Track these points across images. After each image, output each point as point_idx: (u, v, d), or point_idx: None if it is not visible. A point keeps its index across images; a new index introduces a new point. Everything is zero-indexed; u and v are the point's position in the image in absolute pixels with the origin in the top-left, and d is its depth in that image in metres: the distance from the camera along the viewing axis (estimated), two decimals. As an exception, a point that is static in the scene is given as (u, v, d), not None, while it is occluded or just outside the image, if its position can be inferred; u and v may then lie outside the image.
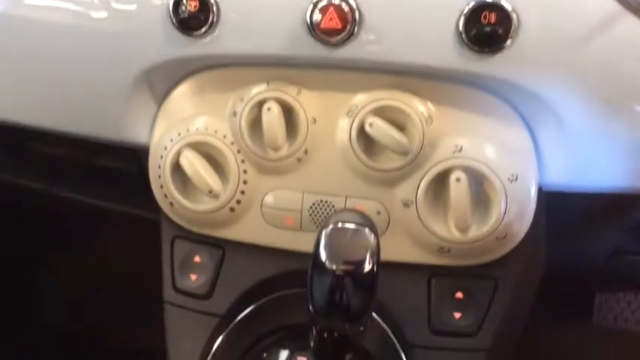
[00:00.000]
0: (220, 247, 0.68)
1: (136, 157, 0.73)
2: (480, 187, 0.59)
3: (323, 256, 0.48)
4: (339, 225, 0.49)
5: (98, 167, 0.82)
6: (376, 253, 0.49)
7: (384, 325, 0.64)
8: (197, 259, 0.68)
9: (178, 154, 0.64)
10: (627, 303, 1.17)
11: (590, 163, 0.59)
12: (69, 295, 1.35)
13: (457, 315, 0.62)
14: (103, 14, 0.63)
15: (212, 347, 0.66)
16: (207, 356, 0.66)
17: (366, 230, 0.49)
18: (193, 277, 0.68)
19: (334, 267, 0.48)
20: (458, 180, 0.58)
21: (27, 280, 1.33)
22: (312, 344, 0.55)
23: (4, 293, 1.24)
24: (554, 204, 0.63)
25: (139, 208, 0.81)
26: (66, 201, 0.88)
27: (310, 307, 0.52)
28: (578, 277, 0.79)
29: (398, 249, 0.63)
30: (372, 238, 0.49)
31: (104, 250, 1.28)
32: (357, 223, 0.49)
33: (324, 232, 0.49)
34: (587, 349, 1.17)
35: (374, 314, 0.63)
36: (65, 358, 1.31)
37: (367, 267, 0.48)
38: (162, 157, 0.65)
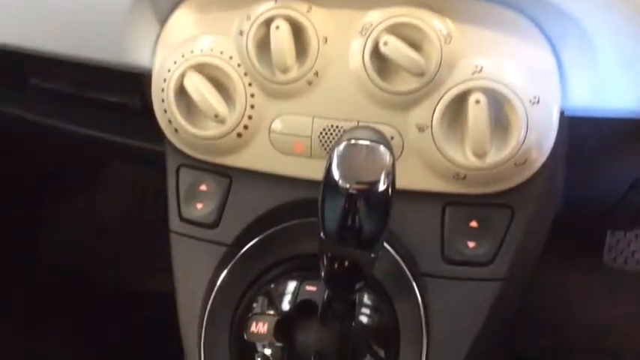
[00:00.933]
0: (227, 175, 0.66)
1: (139, 91, 0.70)
2: (499, 110, 0.56)
3: (336, 174, 0.46)
4: (353, 142, 0.46)
5: (100, 102, 0.80)
6: (392, 172, 0.46)
7: (396, 255, 0.62)
8: (203, 187, 0.66)
9: (182, 76, 0.61)
10: (639, 245, 1.16)
11: (615, 86, 0.56)
12: (74, 232, 1.35)
13: (471, 244, 0.60)
14: None
15: (219, 277, 0.65)
16: (214, 286, 0.64)
17: (382, 147, 0.46)
18: (199, 205, 0.66)
19: (347, 186, 0.45)
20: (477, 102, 0.55)
21: (32, 217, 1.33)
22: (322, 274, 0.53)
23: (7, 232, 1.24)
24: (575, 130, 0.60)
25: (143, 140, 0.79)
26: (68, 134, 0.86)
27: (321, 233, 0.50)
28: (593, 211, 0.77)
29: (412, 176, 0.60)
30: (388, 156, 0.46)
31: (108, 186, 1.27)
32: (371, 140, 0.46)
33: (336, 150, 0.47)
34: (595, 290, 1.17)
35: (385, 244, 0.62)
36: (69, 300, 1.32)
37: (382, 186, 0.46)
38: (165, 80, 0.62)
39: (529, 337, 1.14)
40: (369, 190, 0.46)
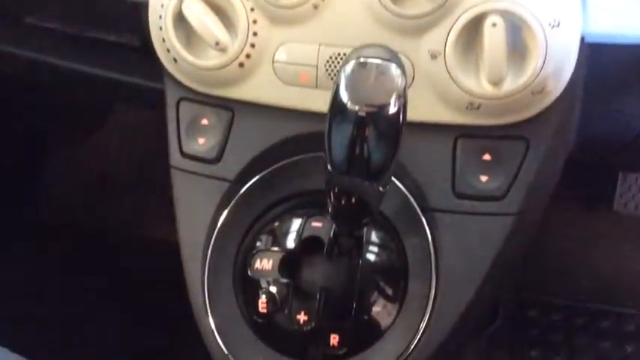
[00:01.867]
0: (229, 108, 0.63)
1: (138, 28, 0.66)
2: (517, 34, 0.53)
3: (344, 96, 0.43)
4: (362, 60, 0.43)
5: (99, 41, 0.77)
6: (403, 94, 0.44)
7: (405, 190, 0.60)
8: (204, 121, 0.64)
9: (180, 2, 0.58)
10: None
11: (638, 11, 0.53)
12: (75, 176, 1.33)
13: (484, 178, 0.58)
14: None
15: (221, 214, 0.63)
16: (217, 224, 0.63)
17: (393, 67, 0.43)
18: (201, 140, 0.63)
19: (356, 108, 0.43)
20: (494, 25, 0.52)
21: (33, 164, 1.31)
22: (329, 209, 0.51)
23: (8, 176, 1.22)
24: (596, 57, 0.57)
25: (142, 79, 0.76)
26: (68, 74, 0.84)
27: (328, 165, 0.47)
28: (607, 149, 0.74)
29: (423, 107, 0.57)
30: (400, 76, 0.43)
31: (110, 129, 1.25)
32: (382, 59, 0.43)
33: (344, 70, 0.44)
34: (606, 236, 1.15)
35: (394, 179, 0.59)
36: (74, 248, 1.31)
37: (393, 109, 0.43)
38: (162, 6, 0.59)
39: (537, 282, 1.13)
40: (379, 113, 0.43)
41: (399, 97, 0.43)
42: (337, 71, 0.57)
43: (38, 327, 1.16)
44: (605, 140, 0.70)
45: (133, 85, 0.79)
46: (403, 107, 0.44)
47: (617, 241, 1.15)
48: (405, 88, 0.44)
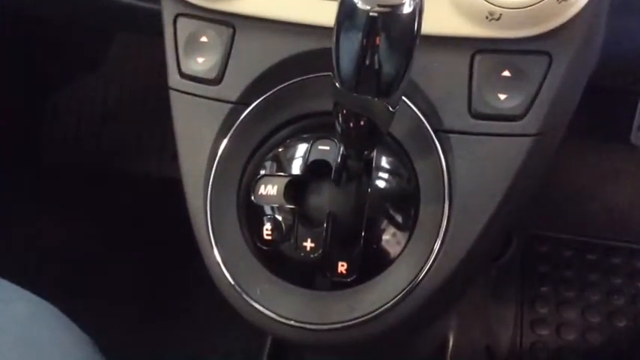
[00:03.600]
0: (230, 24, 0.59)
1: None
2: None
3: None
4: None
5: None
6: None
7: (417, 111, 0.56)
8: (204, 38, 0.60)
9: None
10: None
11: None
12: (76, 116, 1.31)
13: (502, 96, 0.54)
14: None
15: (224, 138, 0.60)
16: (219, 148, 0.60)
17: None
18: (200, 59, 0.60)
19: (368, 7, 0.39)
20: None
21: (32, 102, 1.28)
22: (337, 131, 0.48)
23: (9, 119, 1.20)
24: None
25: None
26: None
27: (335, 82, 0.44)
28: (629, 72, 0.70)
29: (437, 18, 0.53)
30: None
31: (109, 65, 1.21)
32: None
33: None
34: (620, 170, 1.12)
35: (405, 99, 0.56)
36: (75, 185, 1.30)
37: (408, 8, 0.39)
38: None
39: (549, 217, 1.11)
40: (392, 13, 0.39)
41: None
42: None
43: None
44: (629, 61, 0.66)
45: (129, 7, 0.75)
46: (419, 10, 0.40)
47: (633, 175, 1.12)
48: None
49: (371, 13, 0.39)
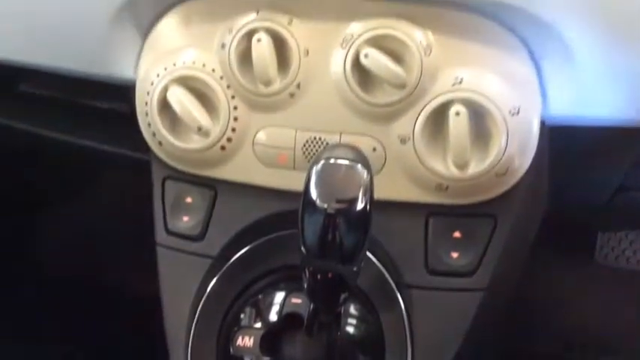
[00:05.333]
0: (212, 187, 0.66)
1: (127, 96, 0.70)
2: (480, 120, 0.56)
3: (314, 194, 0.46)
4: (331, 161, 0.47)
5: (88, 108, 0.80)
6: (369, 190, 0.47)
7: (380, 266, 0.62)
8: (189, 199, 0.66)
9: (165, 89, 0.61)
10: (629, 242, 1.16)
11: (595, 96, 0.57)
12: (64, 240, 1.35)
13: (455, 254, 0.60)
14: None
15: (206, 289, 0.65)
16: (201, 299, 0.65)
17: (359, 166, 0.46)
18: (185, 218, 0.66)
19: (325, 205, 0.46)
20: (457, 114, 0.55)
21: (20, 226, 1.32)
22: (305, 286, 0.53)
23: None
24: (557, 137, 0.60)
25: (130, 149, 0.79)
26: (57, 143, 0.86)
27: (302, 249, 0.50)
28: (581, 215, 0.77)
29: (394, 187, 0.60)
30: (365, 175, 0.46)
31: (98, 194, 1.26)
32: (349, 159, 0.47)
33: (314, 169, 0.47)
34: (587, 288, 1.17)
35: (369, 254, 0.62)
36: (63, 306, 1.32)
37: (360, 205, 0.46)
38: (148, 93, 0.62)
39: (521, 334, 1.14)
40: (347, 209, 0.46)
41: (365, 192, 0.46)
42: (314, 154, 0.61)
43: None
44: (577, 209, 0.74)
45: (121, 156, 0.82)
46: (370, 201, 0.47)
47: (602, 292, 1.17)
48: (371, 184, 0.47)
49: (328, 210, 0.46)
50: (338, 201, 0.46)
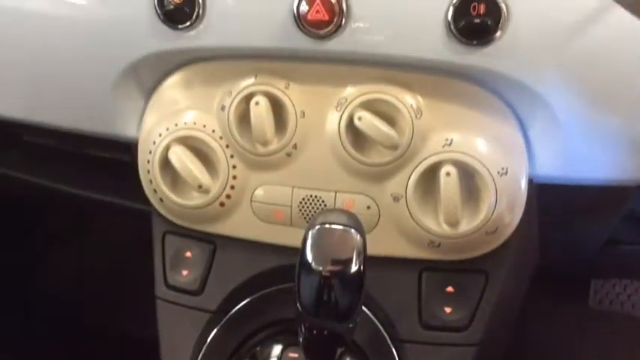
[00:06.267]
0: (211, 242, 0.68)
1: (129, 147, 0.72)
2: (470, 180, 0.59)
3: (309, 256, 0.48)
4: (326, 226, 0.49)
5: (91, 157, 0.82)
6: (363, 253, 0.49)
7: (375, 320, 0.63)
8: (188, 254, 0.68)
9: (167, 148, 0.63)
10: (623, 287, 1.17)
11: (580, 156, 0.59)
12: (64, 287, 1.35)
13: (448, 309, 0.62)
14: (90, 6, 0.63)
15: (204, 343, 0.66)
16: (200, 352, 0.66)
17: (353, 231, 0.48)
18: (185, 272, 0.68)
19: (321, 268, 0.48)
20: (448, 174, 0.57)
21: (20, 274, 1.33)
22: (301, 341, 0.55)
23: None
24: (545, 195, 0.62)
25: (132, 199, 0.81)
26: (58, 193, 0.88)
27: (298, 306, 0.52)
28: (573, 266, 0.79)
29: (388, 243, 0.62)
30: (359, 239, 0.48)
31: (98, 242, 1.28)
32: (343, 224, 0.49)
33: (310, 233, 0.49)
34: (582, 333, 1.18)
35: (364, 309, 0.63)
36: (64, 351, 1.32)
37: (354, 268, 0.48)
38: (151, 152, 0.64)
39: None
40: (341, 272, 0.48)
41: (359, 255, 0.48)
42: (310, 211, 0.63)
43: None
44: (567, 260, 0.75)
45: (123, 206, 0.84)
46: (363, 263, 0.49)
47: (593, 338, 1.18)
48: (364, 248, 0.49)
49: (323, 273, 0.48)
50: (333, 263, 0.48)
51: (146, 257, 0.72)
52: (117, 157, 0.78)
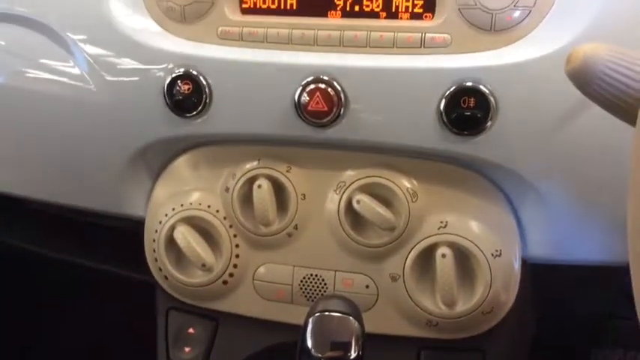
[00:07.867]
0: (214, 318, 0.69)
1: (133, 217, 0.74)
2: (465, 260, 0.61)
3: (309, 343, 0.50)
4: (325, 313, 0.51)
5: (97, 226, 0.84)
6: (361, 339, 0.50)
7: None
8: (191, 330, 0.70)
9: (172, 228, 0.66)
10: (623, 353, 1.17)
11: (570, 239, 0.61)
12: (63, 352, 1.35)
13: None
14: (102, 95, 0.65)
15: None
16: None
17: (351, 318, 0.50)
18: (187, 349, 0.69)
19: (320, 355, 0.49)
20: (443, 256, 0.60)
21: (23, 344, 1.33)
22: None
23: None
24: (539, 275, 0.64)
25: (136, 270, 0.82)
26: (62, 263, 0.89)
27: None
28: (569, 339, 0.80)
29: (387, 322, 0.64)
30: (357, 326, 0.50)
31: (103, 312, 1.28)
32: (341, 312, 0.51)
33: (310, 319, 0.51)
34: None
35: None
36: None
37: (353, 354, 0.50)
38: (156, 231, 0.67)
39: None
40: (340, 358, 0.49)
41: (357, 341, 0.50)
42: (310, 289, 0.65)
43: None
44: (565, 334, 0.76)
45: (126, 277, 0.85)
46: (362, 349, 0.50)
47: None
48: (362, 334, 0.50)
49: (322, 359, 0.49)
50: (332, 349, 0.49)
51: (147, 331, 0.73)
52: (120, 226, 0.81)
